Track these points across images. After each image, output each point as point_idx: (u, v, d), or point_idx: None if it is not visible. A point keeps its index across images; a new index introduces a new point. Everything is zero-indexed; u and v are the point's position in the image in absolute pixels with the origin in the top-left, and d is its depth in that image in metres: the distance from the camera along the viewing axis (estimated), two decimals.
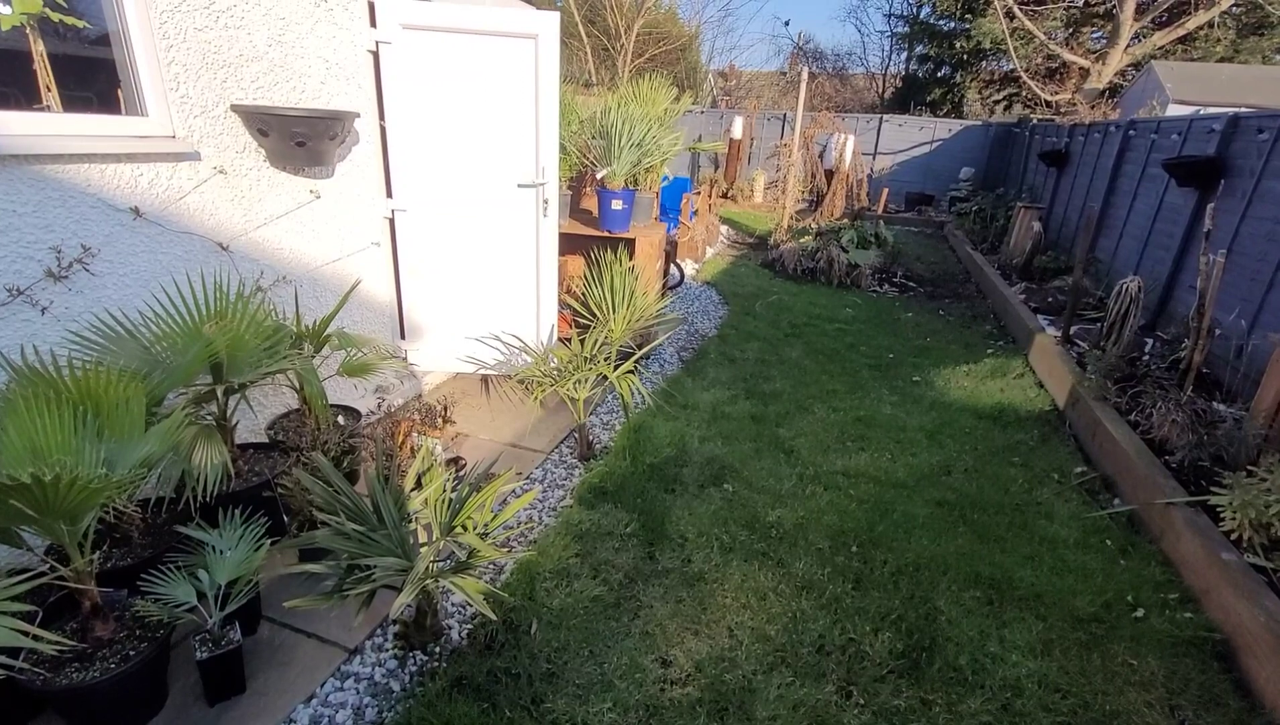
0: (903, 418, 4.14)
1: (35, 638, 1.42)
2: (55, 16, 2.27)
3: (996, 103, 20.32)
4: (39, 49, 2.43)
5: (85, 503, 1.63)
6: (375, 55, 3.44)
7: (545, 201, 3.80)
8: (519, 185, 3.78)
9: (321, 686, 2.05)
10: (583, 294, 4.36)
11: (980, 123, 14.82)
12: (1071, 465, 3.59)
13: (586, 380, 3.41)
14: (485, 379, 4.42)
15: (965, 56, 19.45)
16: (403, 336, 4.02)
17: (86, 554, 1.75)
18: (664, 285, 6.09)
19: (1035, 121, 12.45)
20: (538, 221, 3.84)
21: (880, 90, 26.06)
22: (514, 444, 3.64)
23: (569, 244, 5.02)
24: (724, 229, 11.12)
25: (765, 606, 2.45)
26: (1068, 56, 15.66)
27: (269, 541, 2.11)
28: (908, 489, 3.30)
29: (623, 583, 2.52)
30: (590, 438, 3.61)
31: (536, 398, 3.48)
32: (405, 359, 4.00)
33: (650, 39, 20.21)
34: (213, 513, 2.17)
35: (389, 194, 3.72)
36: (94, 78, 2.60)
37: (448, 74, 3.53)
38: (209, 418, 2.44)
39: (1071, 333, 5.05)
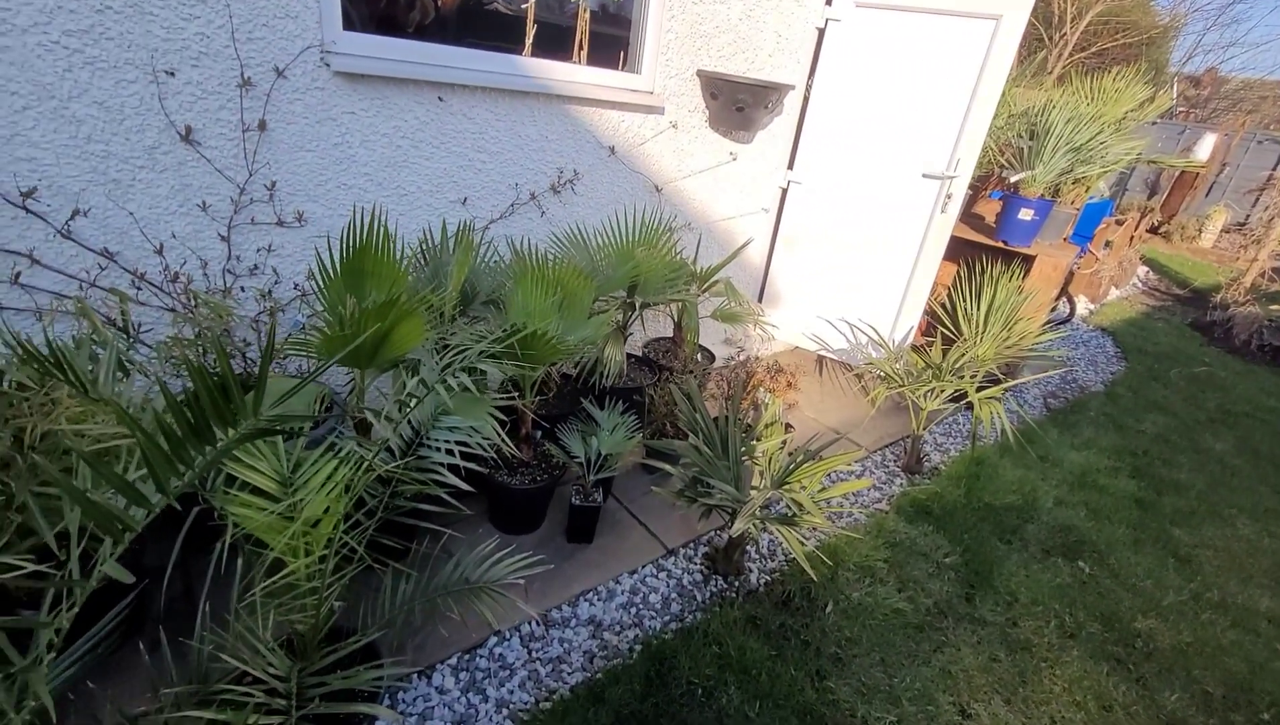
0: None
1: (502, 440, 1.98)
2: None
3: None
4: (584, 17, 3.15)
5: (546, 355, 2.16)
6: (820, 32, 3.58)
7: (948, 197, 3.55)
8: (923, 175, 3.59)
9: (642, 567, 2.41)
10: (948, 302, 4.01)
11: None
12: None
13: (940, 392, 3.16)
14: (821, 360, 4.44)
15: None
16: (760, 300, 4.27)
17: (530, 396, 2.34)
18: (1048, 318, 5.20)
19: None
20: (931, 216, 3.62)
21: None
22: (837, 432, 3.61)
23: (949, 248, 4.63)
24: (1142, 270, 8.92)
25: (1107, 719, 2.02)
26: None
27: (640, 434, 2.52)
28: None
29: (931, 610, 2.34)
30: (920, 452, 3.37)
31: (877, 395, 3.37)
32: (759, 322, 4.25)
33: (1104, 29, 16.74)
34: (599, 398, 2.68)
35: (790, 165, 3.91)
36: (598, 44, 3.28)
37: (882, 54, 3.49)
38: (614, 325, 2.98)
39: None
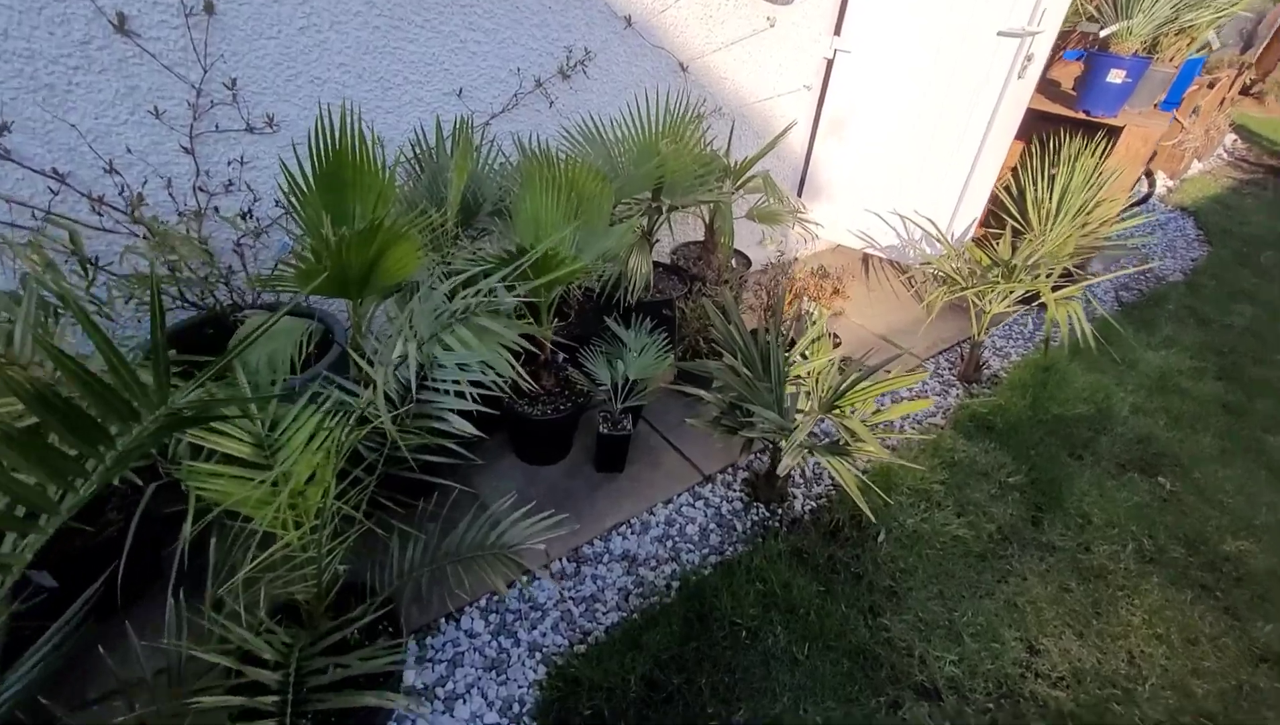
0: None
1: (519, 376, 1.77)
2: None
3: None
4: None
5: (562, 276, 1.89)
6: None
7: (1028, 59, 2.99)
8: (999, 33, 3.01)
9: (678, 496, 2.25)
10: (1013, 187, 3.53)
11: None
12: None
13: (1009, 294, 2.81)
14: (867, 259, 4.05)
15: None
16: (799, 194, 3.84)
17: (548, 319, 2.10)
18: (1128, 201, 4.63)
19: None
20: (1006, 83, 3.08)
21: None
22: (886, 338, 3.31)
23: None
24: (1229, 138, 7.94)
25: (1192, 653, 1.85)
26: None
27: (671, 357, 2.28)
28: None
29: (994, 536, 2.16)
30: (979, 359, 3.07)
31: (935, 300, 3.02)
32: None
33: None
34: (625, 316, 2.42)
35: (836, 30, 3.34)
36: None
37: None
38: (638, 232, 2.65)
39: None
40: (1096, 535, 2.19)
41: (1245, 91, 9.87)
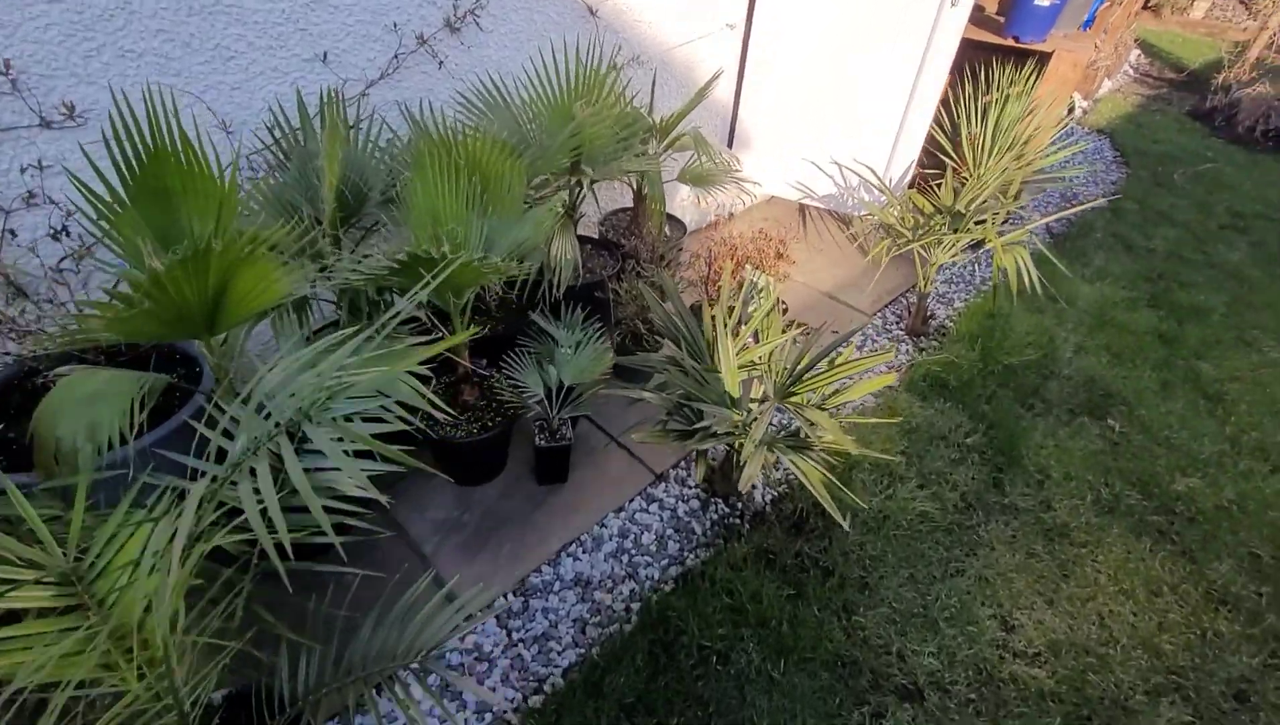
0: None
1: (430, 402, 1.50)
2: None
3: None
4: None
5: (471, 280, 1.61)
6: None
7: None
8: None
9: (630, 502, 2.06)
10: (945, 124, 3.39)
11: None
12: None
13: (955, 244, 2.69)
14: (803, 210, 3.87)
15: None
16: (729, 145, 3.58)
17: (465, 324, 1.81)
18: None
19: None
20: (939, 11, 2.88)
21: None
22: (831, 295, 3.17)
23: None
24: (1134, 54, 8.09)
25: (1157, 606, 1.84)
26: None
27: (611, 354, 2.04)
28: None
29: (958, 506, 2.08)
30: (926, 311, 2.98)
31: (880, 253, 2.87)
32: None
33: None
34: (553, 307, 2.15)
35: None
36: None
37: None
38: (559, 212, 2.36)
39: None
40: (1056, 490, 2.16)
41: (1145, 5, 10.09)
